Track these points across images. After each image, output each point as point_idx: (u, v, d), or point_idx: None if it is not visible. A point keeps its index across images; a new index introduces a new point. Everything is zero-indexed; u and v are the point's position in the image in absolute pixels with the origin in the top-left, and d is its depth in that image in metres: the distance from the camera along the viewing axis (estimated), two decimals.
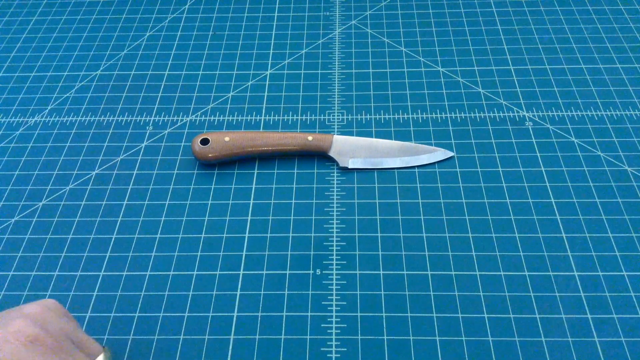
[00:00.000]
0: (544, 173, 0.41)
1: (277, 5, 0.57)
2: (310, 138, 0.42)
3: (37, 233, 0.39)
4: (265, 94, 0.48)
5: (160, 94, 0.48)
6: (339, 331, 0.33)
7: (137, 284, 0.36)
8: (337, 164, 0.42)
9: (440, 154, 0.42)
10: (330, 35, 0.53)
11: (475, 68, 0.49)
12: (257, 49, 0.52)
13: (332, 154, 0.42)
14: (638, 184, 0.40)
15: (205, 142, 0.41)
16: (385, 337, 0.33)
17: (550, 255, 0.36)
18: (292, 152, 0.42)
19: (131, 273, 0.36)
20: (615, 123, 0.44)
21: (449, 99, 0.46)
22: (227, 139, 0.41)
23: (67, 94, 0.49)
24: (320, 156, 0.43)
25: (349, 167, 0.41)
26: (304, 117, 0.46)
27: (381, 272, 0.36)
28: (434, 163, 0.42)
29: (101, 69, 0.51)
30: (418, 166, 0.42)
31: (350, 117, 0.46)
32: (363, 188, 0.41)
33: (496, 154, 0.42)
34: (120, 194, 0.41)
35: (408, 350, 0.32)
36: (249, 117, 0.46)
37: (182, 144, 0.44)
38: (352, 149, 0.42)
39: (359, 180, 0.41)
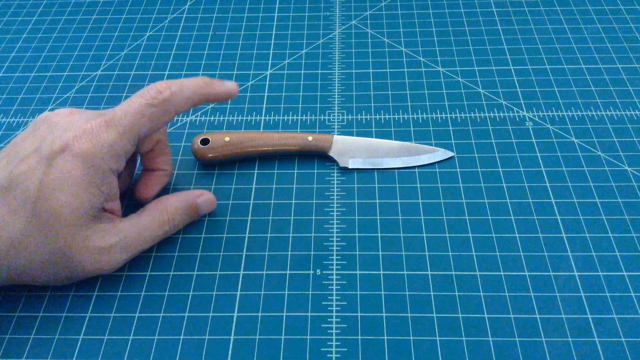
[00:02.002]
0: (544, 173, 0.41)
1: (277, 5, 0.57)
2: (310, 138, 0.42)
3: None
4: (265, 94, 0.48)
5: None
6: (339, 331, 0.33)
7: (137, 283, 0.36)
8: (337, 164, 0.42)
9: (440, 154, 0.42)
10: (330, 35, 0.53)
11: (475, 68, 0.49)
12: (257, 49, 0.52)
13: (332, 154, 0.42)
14: (638, 184, 0.40)
15: (205, 142, 0.41)
16: (385, 337, 0.33)
17: (550, 255, 0.36)
18: (292, 152, 0.42)
19: (131, 273, 0.36)
20: (615, 123, 0.44)
21: (449, 99, 0.46)
22: (227, 139, 0.41)
23: (67, 94, 0.49)
24: (320, 156, 0.43)
25: (349, 167, 0.41)
26: (304, 117, 0.46)
27: (381, 272, 0.36)
28: (434, 163, 0.42)
29: (101, 69, 0.51)
30: (418, 166, 0.42)
31: (350, 117, 0.46)
32: (363, 188, 0.41)
33: (496, 154, 0.42)
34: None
35: (408, 350, 0.32)
36: (249, 117, 0.46)
37: (182, 144, 0.44)
38: (352, 149, 0.42)
39: (359, 180, 0.41)
